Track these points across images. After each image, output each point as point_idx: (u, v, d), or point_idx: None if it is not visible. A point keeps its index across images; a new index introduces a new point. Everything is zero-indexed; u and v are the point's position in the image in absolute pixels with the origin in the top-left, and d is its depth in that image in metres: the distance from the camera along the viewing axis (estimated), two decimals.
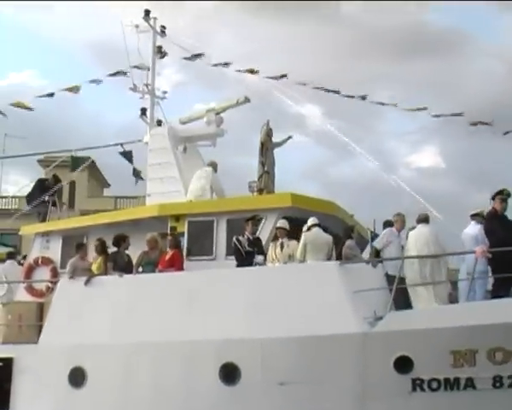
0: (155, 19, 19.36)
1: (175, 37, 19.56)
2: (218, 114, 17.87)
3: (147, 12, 19.03)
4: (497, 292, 11.28)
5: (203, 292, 12.43)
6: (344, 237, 12.86)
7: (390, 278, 12.11)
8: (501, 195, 11.61)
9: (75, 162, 19.96)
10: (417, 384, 11.13)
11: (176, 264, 12.87)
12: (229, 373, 11.84)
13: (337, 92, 18.92)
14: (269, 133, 16.45)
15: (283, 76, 18.47)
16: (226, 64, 18.99)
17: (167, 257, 13.00)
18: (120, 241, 13.56)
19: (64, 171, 21.84)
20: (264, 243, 13.15)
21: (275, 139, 16.51)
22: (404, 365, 11.08)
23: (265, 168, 16.36)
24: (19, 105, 19.78)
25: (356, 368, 11.33)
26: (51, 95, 20.41)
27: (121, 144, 19.37)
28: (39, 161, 38.85)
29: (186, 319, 12.33)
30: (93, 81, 20.25)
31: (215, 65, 19.37)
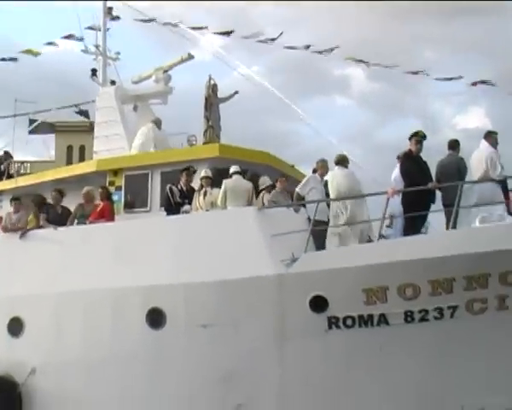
0: None
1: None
2: (165, 71, 17.85)
3: None
4: (408, 231, 11.32)
5: (130, 241, 12.43)
6: (271, 186, 12.91)
7: (315, 223, 12.13)
8: (416, 136, 11.57)
9: (32, 124, 19.98)
10: (333, 322, 11.14)
11: (106, 215, 12.90)
12: (155, 318, 11.90)
13: (366, 63, 18.45)
14: (213, 89, 16.38)
15: (308, 47, 18.29)
16: (175, 25, 18.88)
17: (98, 209, 13.05)
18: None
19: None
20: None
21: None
22: (319, 304, 11.07)
23: (210, 123, 16.38)
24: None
25: (274, 309, 11.33)
26: (14, 59, 20.38)
27: (76, 105, 19.38)
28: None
29: (114, 267, 12.32)
30: (49, 43, 20.21)
31: (165, 24, 19.30)
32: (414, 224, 11.22)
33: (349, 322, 11.13)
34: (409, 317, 10.95)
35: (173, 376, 11.88)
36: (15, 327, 13.03)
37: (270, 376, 11.49)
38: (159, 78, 17.51)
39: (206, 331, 11.64)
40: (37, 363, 12.72)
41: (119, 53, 19.14)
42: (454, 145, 11.84)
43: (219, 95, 16.55)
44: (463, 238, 10.59)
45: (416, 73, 18.04)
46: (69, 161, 46.24)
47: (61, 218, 13.38)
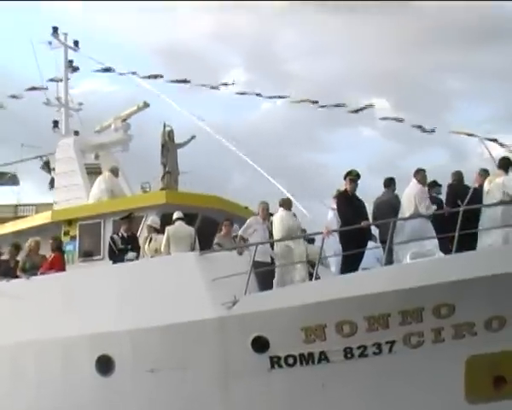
0: (66, 34, 19.65)
1: (90, 50, 19.90)
2: (124, 120, 18.08)
3: (55, 29, 19.26)
4: (345, 269, 11.39)
5: (78, 290, 12.45)
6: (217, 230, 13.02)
7: (257, 264, 12.21)
8: (350, 175, 11.72)
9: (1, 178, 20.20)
10: (275, 362, 11.14)
11: (56, 266, 12.98)
12: (104, 365, 11.94)
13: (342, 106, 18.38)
14: (169, 135, 16.57)
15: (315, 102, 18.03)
16: (134, 73, 19.19)
17: (48, 260, 13.16)
18: None
19: None
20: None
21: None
22: (260, 344, 11.06)
23: (167, 168, 16.55)
24: None
25: (217, 351, 11.32)
26: None
27: (40, 157, 19.50)
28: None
29: (64, 316, 12.36)
30: (13, 96, 20.43)
31: (121, 74, 19.62)
32: (350, 262, 11.31)
33: (290, 361, 11.13)
34: (348, 353, 10.95)
35: None
36: None
37: None
38: (117, 127, 17.72)
39: (154, 376, 11.67)
40: None
41: (81, 104, 19.45)
42: (389, 183, 11.98)
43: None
44: (395, 274, 10.65)
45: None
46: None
47: (14, 271, 13.47)
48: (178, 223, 12.27)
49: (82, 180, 16.31)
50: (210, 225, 13.56)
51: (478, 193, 11.09)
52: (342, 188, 11.87)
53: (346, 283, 10.88)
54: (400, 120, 17.57)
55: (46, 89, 19.23)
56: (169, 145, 16.34)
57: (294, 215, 12.19)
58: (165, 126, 16.37)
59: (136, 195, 15.24)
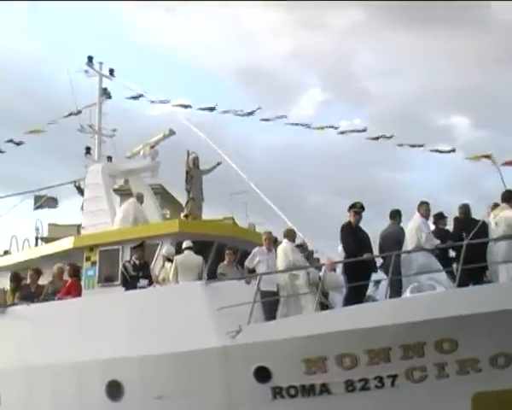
0: (101, 64, 20.14)
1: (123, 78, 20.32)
2: (152, 147, 18.38)
3: (90, 58, 19.79)
4: (349, 301, 11.27)
5: (91, 316, 12.64)
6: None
7: (263, 294, 12.20)
8: (354, 208, 11.62)
9: (37, 201, 20.71)
10: (277, 392, 11.08)
11: (72, 291, 13.26)
12: (114, 390, 12.07)
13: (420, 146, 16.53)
14: (194, 162, 16.78)
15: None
16: (163, 101, 19.50)
17: (66, 286, 13.46)
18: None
19: None
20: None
21: None
22: (262, 374, 11.03)
23: (191, 195, 16.75)
24: None
25: (220, 380, 11.32)
26: (21, 143, 21.21)
27: (74, 182, 19.96)
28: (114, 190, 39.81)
29: (77, 341, 12.55)
30: (51, 123, 20.98)
31: (152, 102, 19.92)
32: (353, 294, 11.18)
33: (292, 392, 11.04)
34: (350, 386, 10.81)
35: None
36: None
37: None
38: (146, 153, 18.00)
39: (161, 403, 11.76)
40: None
41: (115, 130, 19.84)
42: (394, 215, 11.83)
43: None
44: (396, 308, 10.48)
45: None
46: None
47: (34, 295, 13.83)
48: (187, 252, 12.37)
49: (108, 206, 16.58)
50: (223, 252, 13.63)
51: (486, 227, 10.85)
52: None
53: (346, 315, 10.73)
54: None
55: (80, 112, 19.70)
56: (193, 172, 16.52)
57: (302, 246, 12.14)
58: (188, 154, 16.62)
59: (150, 223, 15.41)
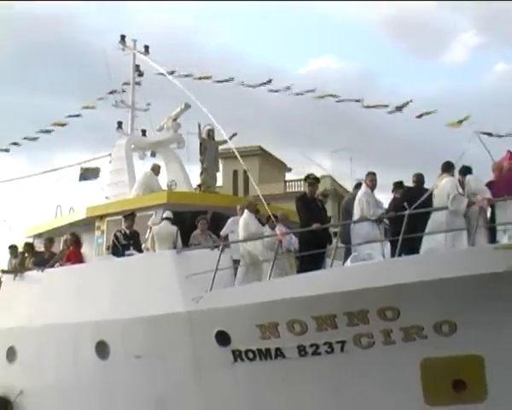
0: (135, 41, 20.82)
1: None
2: (174, 120, 18.93)
3: (122, 37, 20.51)
4: (303, 269, 11.42)
5: (84, 282, 13.49)
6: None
7: (236, 262, 12.54)
8: (308, 179, 11.72)
9: (84, 173, 21.84)
10: (237, 355, 11.43)
11: (71, 259, 14.16)
12: (102, 350, 12.87)
13: None
14: (209, 133, 17.20)
15: None
16: (187, 75, 19.89)
17: (66, 254, 14.42)
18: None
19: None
20: None
21: None
22: (223, 338, 11.43)
23: (204, 166, 17.24)
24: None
25: (187, 343, 11.77)
26: (77, 115, 22.35)
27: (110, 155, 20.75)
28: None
29: (73, 304, 13.46)
30: (99, 99, 21.89)
31: (187, 76, 20.29)
32: (307, 263, 11.32)
33: (250, 355, 11.36)
34: (302, 351, 11.00)
35: (119, 402, 12.89)
36: (11, 355, 14.75)
37: (195, 403, 12.11)
38: (168, 126, 18.61)
39: (139, 362, 12.47)
40: (23, 386, 14.36)
41: (149, 104, 20.54)
42: (356, 186, 11.82)
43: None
44: (338, 277, 10.55)
45: None
46: (235, 186, 48.67)
47: (47, 261, 14.90)
48: (164, 222, 12.85)
49: (128, 177, 17.37)
50: (220, 221, 14.06)
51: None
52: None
53: (295, 283, 10.92)
54: None
55: (124, 92, 20.53)
56: (206, 144, 16.96)
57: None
58: (199, 127, 17.04)
59: (141, 195, 15.99)
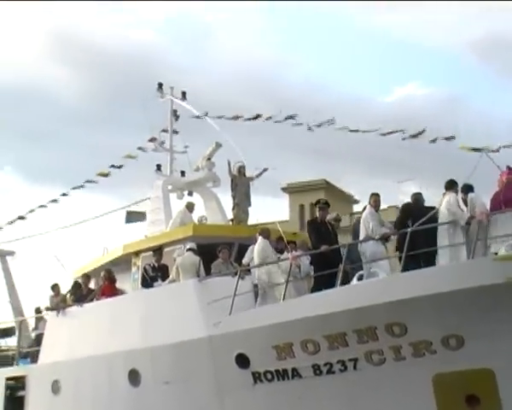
0: (172, 88, 21.85)
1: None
2: (208, 159, 19.69)
3: (160, 85, 21.57)
4: (314, 290, 11.75)
5: (115, 314, 14.19)
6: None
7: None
8: (319, 204, 12.15)
9: (129, 216, 22.80)
10: (257, 377, 11.78)
11: (105, 294, 14.90)
12: (134, 377, 13.42)
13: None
14: (240, 170, 17.86)
15: None
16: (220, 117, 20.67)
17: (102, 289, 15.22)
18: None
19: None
20: None
21: None
22: (242, 361, 11.81)
23: (236, 201, 17.86)
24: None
25: (209, 367, 12.21)
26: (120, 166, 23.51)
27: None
28: (283, 189, 42.27)
29: (107, 336, 14.17)
30: (139, 148, 22.95)
31: (219, 117, 21.10)
32: (319, 283, 11.66)
33: (269, 376, 11.70)
34: (317, 370, 11.27)
35: None
36: (55, 388, 15.50)
37: None
38: (203, 166, 19.38)
39: (168, 388, 12.96)
40: None
41: (187, 146, 21.42)
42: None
43: None
44: (344, 295, 10.80)
45: None
46: (301, 219, 49.70)
47: (85, 297, 15.71)
48: (187, 253, 13.47)
49: (164, 215, 18.13)
50: (246, 251, 14.56)
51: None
52: None
53: (306, 304, 11.22)
54: None
55: (162, 142, 21.45)
56: (237, 180, 17.60)
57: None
58: (229, 164, 17.70)
59: (169, 230, 16.65)
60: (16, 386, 16.82)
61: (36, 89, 69.95)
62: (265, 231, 12.80)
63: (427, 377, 10.55)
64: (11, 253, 28.85)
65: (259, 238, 12.62)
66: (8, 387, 17.00)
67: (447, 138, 14.57)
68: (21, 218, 25.03)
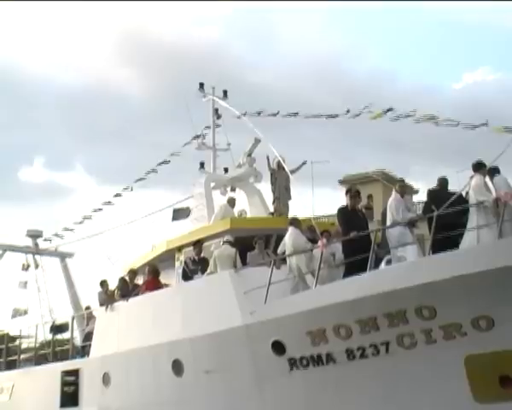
0: (213, 88, 22.25)
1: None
2: (249, 155, 20.01)
3: (201, 85, 22.01)
4: (347, 275, 11.87)
5: (158, 307, 14.66)
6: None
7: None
8: (350, 192, 12.27)
9: (176, 214, 23.32)
10: (293, 363, 12.02)
11: (149, 288, 15.33)
12: (177, 368, 13.85)
13: None
14: (279, 164, 18.11)
15: None
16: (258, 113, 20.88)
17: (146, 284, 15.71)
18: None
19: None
20: None
21: None
22: (278, 348, 12.06)
23: (276, 195, 18.12)
24: None
25: (248, 355, 12.53)
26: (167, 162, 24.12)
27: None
28: (340, 182, 43.00)
29: (151, 328, 14.65)
30: (185, 144, 23.44)
31: (258, 113, 21.37)
32: (350, 270, 11.78)
33: (304, 362, 11.92)
34: (350, 354, 11.43)
35: None
36: (106, 380, 16.07)
37: None
38: (243, 162, 19.74)
39: (209, 377, 13.32)
40: (117, 407, 15.63)
41: (229, 144, 21.81)
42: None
43: None
44: (373, 280, 10.92)
45: None
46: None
47: (131, 292, 16.23)
48: (224, 246, 13.82)
49: (207, 211, 18.54)
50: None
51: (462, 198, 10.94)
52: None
53: (337, 289, 11.36)
54: None
55: (203, 137, 21.93)
56: (276, 174, 17.90)
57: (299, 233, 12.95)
58: (268, 159, 17.99)
59: (208, 224, 17.05)
60: (71, 379, 17.51)
61: (105, 90, 71.84)
62: (296, 220, 13.03)
63: (459, 360, 10.57)
64: (70, 255, 30.24)
65: (290, 228, 12.84)
66: (63, 379, 17.69)
67: None
68: (87, 218, 26.08)
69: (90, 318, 18.70)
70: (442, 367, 10.75)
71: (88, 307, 19.39)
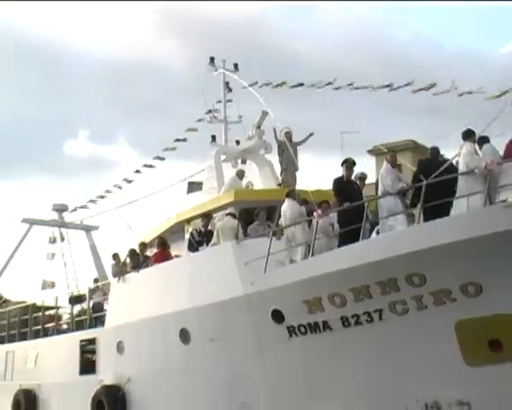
0: (224, 61, 22.37)
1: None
2: (258, 128, 20.18)
3: (211, 59, 22.15)
4: (342, 245, 12.10)
5: (167, 278, 15.09)
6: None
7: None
8: (346, 163, 12.45)
9: (190, 187, 23.68)
10: (291, 331, 12.38)
11: (157, 260, 15.73)
12: (184, 336, 14.34)
13: None
14: (286, 135, 18.26)
15: None
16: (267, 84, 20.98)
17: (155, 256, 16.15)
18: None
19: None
20: None
21: None
22: (278, 316, 12.43)
23: (283, 166, 18.31)
24: None
25: (249, 323, 12.91)
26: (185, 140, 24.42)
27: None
28: (369, 151, 43.39)
29: (159, 298, 15.14)
30: (199, 120, 23.71)
31: (268, 84, 21.48)
32: (345, 238, 12.01)
33: (302, 330, 12.27)
34: (345, 322, 11.75)
35: (199, 381, 14.27)
36: (120, 348, 16.67)
37: (261, 379, 13.18)
38: (253, 134, 19.93)
39: (214, 345, 13.77)
40: (130, 374, 16.21)
41: (241, 116, 21.97)
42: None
43: None
44: (364, 249, 11.16)
45: None
46: None
47: (142, 264, 16.71)
48: (226, 218, 14.15)
49: (217, 183, 18.85)
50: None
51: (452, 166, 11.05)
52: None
53: (330, 259, 11.65)
54: None
55: (217, 110, 22.12)
56: (283, 146, 18.07)
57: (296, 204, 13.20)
58: (275, 131, 18.14)
59: (214, 197, 17.38)
60: (89, 347, 18.17)
61: (147, 62, 71.78)
62: (292, 192, 13.28)
63: (449, 325, 10.81)
64: (96, 227, 30.96)
65: (286, 200, 13.10)
66: (82, 348, 18.37)
67: None
68: (119, 187, 26.52)
69: (96, 290, 19.33)
70: (433, 332, 10.98)
71: (96, 280, 19.92)
